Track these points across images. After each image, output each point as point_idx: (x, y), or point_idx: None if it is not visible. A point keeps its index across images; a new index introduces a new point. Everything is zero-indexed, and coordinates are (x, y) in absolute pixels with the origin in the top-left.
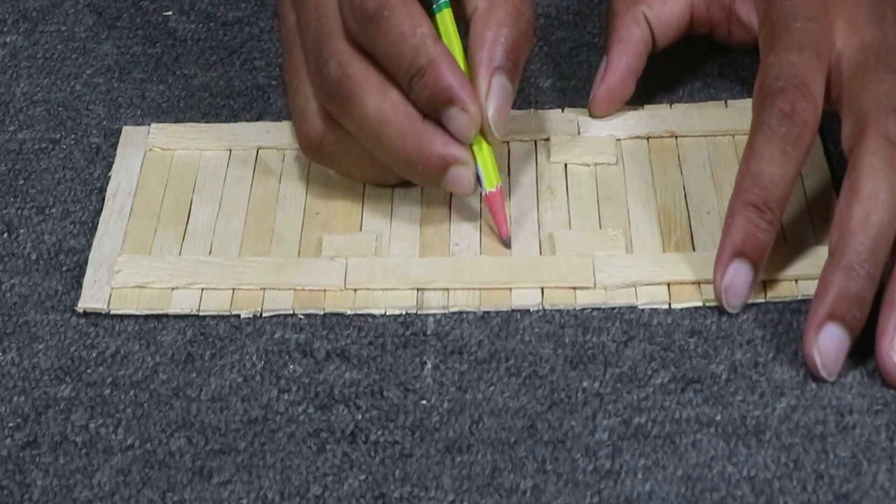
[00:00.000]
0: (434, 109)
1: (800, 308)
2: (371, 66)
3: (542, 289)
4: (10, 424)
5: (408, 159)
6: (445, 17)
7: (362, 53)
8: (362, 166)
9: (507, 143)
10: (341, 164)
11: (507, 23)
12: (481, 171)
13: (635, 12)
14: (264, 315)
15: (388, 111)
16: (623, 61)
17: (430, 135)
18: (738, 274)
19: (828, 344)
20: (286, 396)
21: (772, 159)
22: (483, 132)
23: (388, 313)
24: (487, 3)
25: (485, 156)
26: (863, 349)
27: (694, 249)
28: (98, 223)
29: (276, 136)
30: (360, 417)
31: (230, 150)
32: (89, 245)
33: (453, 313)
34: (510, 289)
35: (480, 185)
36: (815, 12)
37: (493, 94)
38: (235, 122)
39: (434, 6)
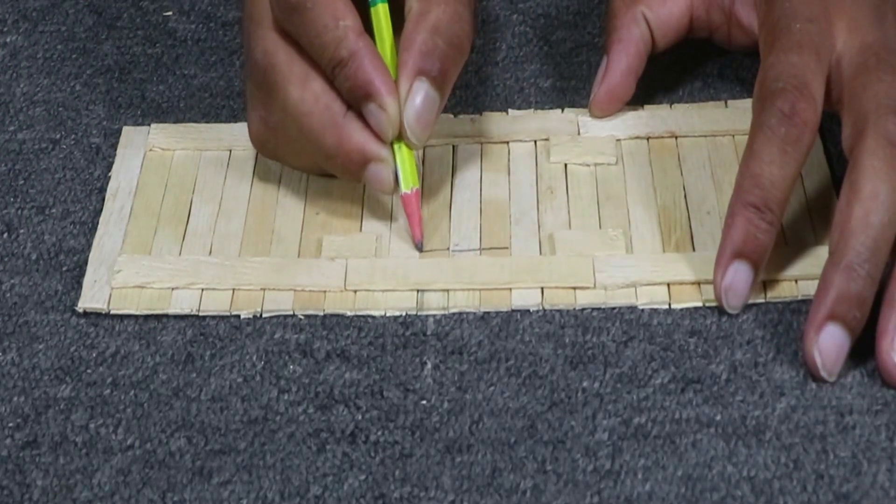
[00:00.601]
0: (355, 102)
1: (800, 308)
2: (296, 56)
3: (542, 289)
4: (10, 424)
5: (327, 152)
6: (379, 12)
7: (289, 42)
8: (305, 159)
9: (507, 143)
10: (287, 158)
11: (439, 29)
12: (399, 172)
13: (634, 12)
14: (264, 315)
15: (308, 102)
16: (623, 61)
17: (350, 129)
18: (738, 275)
19: (828, 344)
20: (286, 396)
21: (772, 160)
22: (402, 134)
23: (387, 314)
24: (422, 4)
25: (404, 156)
26: (863, 349)
27: (694, 250)
28: (98, 223)
29: None
30: (360, 417)
31: (230, 151)
32: (89, 245)
33: (453, 314)
34: (510, 289)
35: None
36: (816, 13)
37: (413, 97)
38: (235, 122)
39: (370, 0)
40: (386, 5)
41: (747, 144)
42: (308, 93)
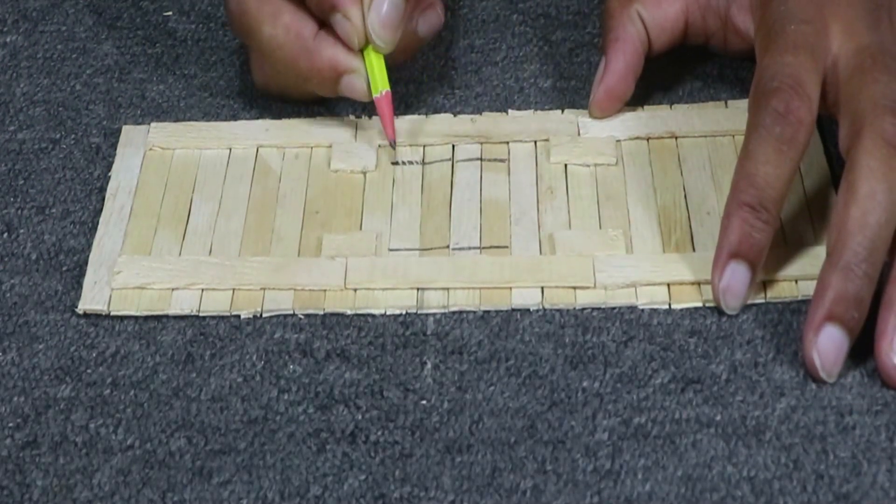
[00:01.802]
0: (323, 15)
1: (800, 308)
2: None
3: (542, 288)
4: (10, 424)
5: (303, 74)
6: None
7: None
8: (295, 87)
9: (508, 143)
10: (292, 93)
11: None
12: (368, 78)
13: (630, 11)
14: (264, 315)
15: (279, 36)
16: (621, 60)
17: (320, 49)
18: (736, 275)
19: (827, 345)
20: (286, 396)
21: (766, 159)
22: (370, 41)
23: (388, 313)
24: None
25: (372, 63)
26: (863, 349)
27: (694, 250)
28: (98, 223)
29: (276, 134)
30: (360, 417)
31: (230, 149)
32: (89, 245)
33: (453, 313)
34: (510, 288)
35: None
36: (811, 15)
37: (377, 3)
38: (235, 121)
39: None
40: None
41: (743, 144)
42: (279, 28)
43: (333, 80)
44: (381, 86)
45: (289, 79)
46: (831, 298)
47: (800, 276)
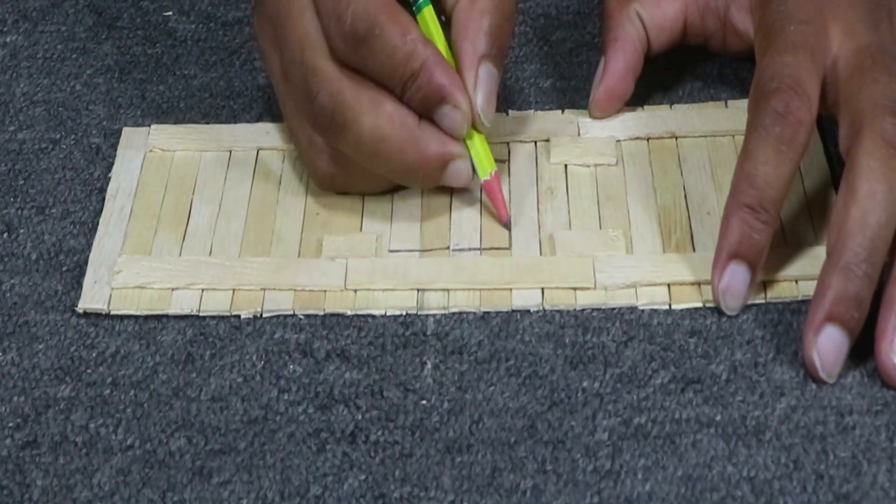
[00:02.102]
0: (427, 109)
1: (800, 308)
2: (361, 86)
3: (543, 289)
4: (10, 424)
5: (408, 167)
6: (426, 16)
7: (350, 74)
8: (378, 181)
9: (508, 143)
10: (357, 186)
11: (489, 11)
12: (475, 161)
13: (629, 11)
14: (264, 315)
15: (383, 127)
16: (620, 59)
17: (426, 139)
18: (735, 276)
19: (827, 346)
20: (286, 396)
21: (766, 160)
22: (473, 122)
23: (388, 314)
24: None
25: (476, 146)
26: (863, 349)
27: (694, 250)
28: (98, 223)
29: (276, 136)
30: (360, 417)
31: (230, 151)
32: (89, 245)
33: (453, 313)
34: (510, 289)
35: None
36: (811, 16)
37: (481, 83)
38: (236, 122)
39: (414, 7)
40: (431, 7)
41: (743, 145)
42: (382, 118)
43: (439, 170)
44: (488, 167)
45: (387, 172)
46: (831, 299)
47: (800, 276)
